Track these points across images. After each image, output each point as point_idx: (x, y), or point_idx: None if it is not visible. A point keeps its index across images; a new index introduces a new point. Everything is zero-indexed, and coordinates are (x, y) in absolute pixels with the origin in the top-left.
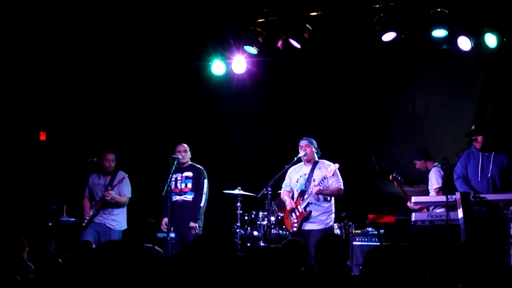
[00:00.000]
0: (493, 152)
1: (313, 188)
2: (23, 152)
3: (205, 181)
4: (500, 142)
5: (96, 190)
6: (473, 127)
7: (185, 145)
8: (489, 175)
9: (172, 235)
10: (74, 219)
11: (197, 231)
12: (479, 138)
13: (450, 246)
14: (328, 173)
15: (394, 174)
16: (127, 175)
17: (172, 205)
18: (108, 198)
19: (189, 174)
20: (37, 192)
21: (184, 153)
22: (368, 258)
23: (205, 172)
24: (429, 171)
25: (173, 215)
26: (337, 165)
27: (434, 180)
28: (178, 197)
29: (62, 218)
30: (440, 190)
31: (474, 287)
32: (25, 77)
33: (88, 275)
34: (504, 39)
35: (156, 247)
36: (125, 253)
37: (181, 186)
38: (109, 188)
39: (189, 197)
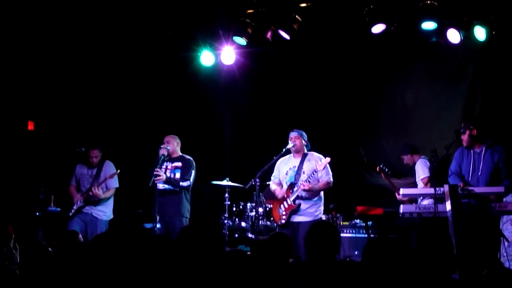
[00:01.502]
0: (483, 148)
1: (303, 185)
2: (11, 141)
3: (193, 171)
4: (488, 136)
5: (83, 181)
6: (462, 125)
7: (173, 136)
8: (479, 173)
9: (158, 225)
10: (61, 209)
11: (161, 179)
12: (464, 137)
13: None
14: (319, 166)
15: (381, 166)
16: (118, 171)
17: (159, 194)
18: (92, 194)
19: (179, 164)
20: (25, 182)
21: (167, 144)
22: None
23: (194, 163)
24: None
25: (160, 204)
26: (328, 159)
27: (421, 170)
28: (166, 186)
29: (49, 208)
30: (429, 180)
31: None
32: (12, 67)
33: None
34: (493, 32)
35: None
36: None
37: (170, 175)
38: (97, 183)
39: (176, 187)
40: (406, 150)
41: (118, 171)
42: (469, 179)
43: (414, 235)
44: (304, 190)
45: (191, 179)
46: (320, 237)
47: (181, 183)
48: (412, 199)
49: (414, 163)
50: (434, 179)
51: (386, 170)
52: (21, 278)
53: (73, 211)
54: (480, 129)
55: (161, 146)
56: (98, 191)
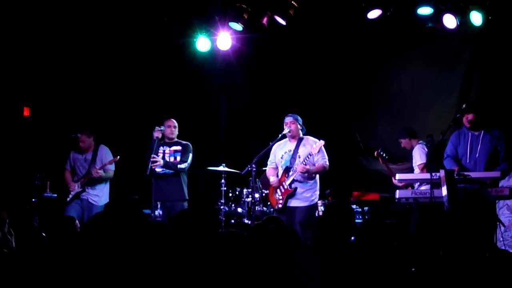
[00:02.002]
0: (482, 131)
1: (298, 167)
2: (7, 127)
3: (191, 154)
4: (488, 120)
5: (78, 165)
6: (463, 105)
7: (174, 121)
8: (477, 155)
9: (160, 212)
10: (57, 195)
11: (159, 164)
12: (470, 116)
13: (435, 220)
14: (314, 150)
15: (379, 151)
16: (109, 151)
17: (158, 178)
18: (97, 176)
19: (178, 148)
20: (21, 168)
21: (174, 128)
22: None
23: (191, 147)
24: (413, 149)
25: (159, 188)
26: (322, 142)
27: (418, 156)
28: (166, 170)
29: (45, 194)
30: (425, 167)
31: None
32: (8, 53)
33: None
34: (490, 17)
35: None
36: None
37: (170, 159)
38: (93, 167)
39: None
40: (405, 134)
41: (118, 157)
42: (467, 161)
43: (413, 220)
44: (300, 172)
45: (189, 161)
46: (336, 218)
47: (179, 166)
48: (408, 184)
49: (412, 148)
50: (430, 164)
51: (384, 155)
52: (13, 262)
53: (71, 196)
54: (478, 115)
55: (156, 128)
56: (99, 171)
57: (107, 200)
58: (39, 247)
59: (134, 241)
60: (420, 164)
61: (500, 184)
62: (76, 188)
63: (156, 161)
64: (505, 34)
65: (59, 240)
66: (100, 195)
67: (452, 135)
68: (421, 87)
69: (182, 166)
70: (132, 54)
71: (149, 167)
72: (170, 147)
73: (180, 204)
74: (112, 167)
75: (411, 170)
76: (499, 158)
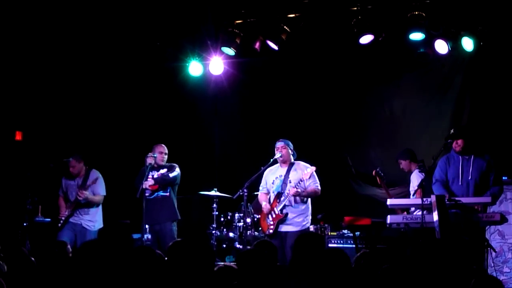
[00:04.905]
0: (472, 156)
1: (290, 190)
2: None
3: (177, 169)
4: (478, 145)
5: (70, 191)
6: (452, 131)
7: (163, 145)
8: (469, 178)
9: (148, 236)
10: (49, 219)
11: (149, 182)
12: (459, 141)
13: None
14: (305, 175)
15: (377, 170)
16: (100, 175)
17: (149, 202)
18: (81, 198)
19: (165, 170)
20: (12, 192)
21: (165, 155)
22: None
23: (178, 166)
24: (411, 173)
25: (150, 213)
26: (313, 168)
27: (416, 181)
28: (155, 194)
29: (37, 218)
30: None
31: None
32: (0, 77)
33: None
34: (481, 43)
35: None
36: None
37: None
38: (82, 188)
39: (166, 193)
40: (406, 155)
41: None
42: (459, 183)
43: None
44: (293, 195)
45: (177, 171)
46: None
47: (170, 174)
48: (404, 209)
49: (410, 170)
50: (422, 190)
51: (382, 174)
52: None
53: (61, 222)
54: (473, 136)
55: (148, 154)
56: (85, 192)
57: (101, 223)
58: (28, 272)
59: (124, 267)
60: (417, 188)
61: (491, 210)
62: (66, 213)
63: (147, 185)
64: (496, 59)
65: (49, 265)
66: (93, 220)
67: (440, 159)
68: (413, 112)
69: (173, 174)
70: (124, 79)
71: (140, 190)
72: (158, 171)
73: (169, 226)
74: (101, 191)
75: (404, 195)
76: (489, 182)
